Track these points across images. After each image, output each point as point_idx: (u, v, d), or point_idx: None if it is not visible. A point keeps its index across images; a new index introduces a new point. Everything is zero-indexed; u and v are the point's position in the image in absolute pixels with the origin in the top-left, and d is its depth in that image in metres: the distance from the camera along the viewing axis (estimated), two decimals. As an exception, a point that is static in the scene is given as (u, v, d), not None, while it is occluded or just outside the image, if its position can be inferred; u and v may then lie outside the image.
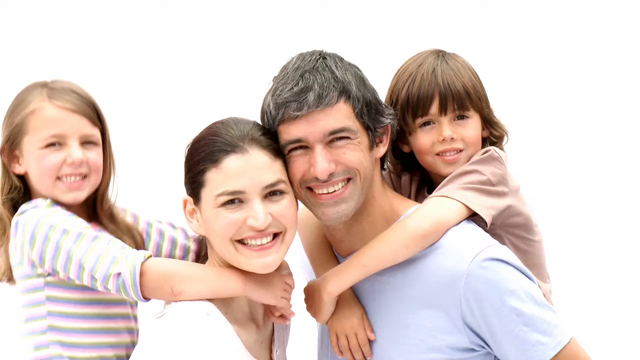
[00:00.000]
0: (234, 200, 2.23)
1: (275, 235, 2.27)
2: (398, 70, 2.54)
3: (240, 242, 2.25)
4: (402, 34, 4.50)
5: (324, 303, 2.38)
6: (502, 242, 2.41)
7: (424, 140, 2.47)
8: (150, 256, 2.30)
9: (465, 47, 4.52)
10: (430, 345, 2.30)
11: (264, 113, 2.34)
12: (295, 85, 2.27)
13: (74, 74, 4.45)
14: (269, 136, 2.28)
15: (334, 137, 2.29)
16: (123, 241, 2.46)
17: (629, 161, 4.57)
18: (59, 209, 2.45)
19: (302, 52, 2.38)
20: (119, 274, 2.26)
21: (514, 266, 2.29)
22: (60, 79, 2.59)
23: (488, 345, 2.29)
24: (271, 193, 2.26)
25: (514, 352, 2.27)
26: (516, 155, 4.36)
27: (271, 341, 2.42)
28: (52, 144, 2.46)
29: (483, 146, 2.50)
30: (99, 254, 2.30)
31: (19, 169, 2.50)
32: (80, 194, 2.49)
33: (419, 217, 2.33)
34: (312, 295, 2.42)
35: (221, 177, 2.22)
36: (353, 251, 2.39)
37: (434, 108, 2.45)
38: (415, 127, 2.48)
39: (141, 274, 2.26)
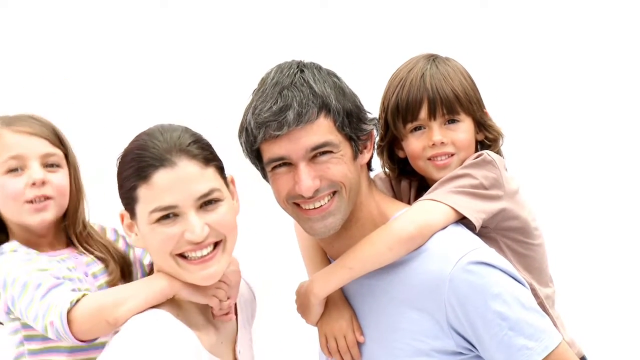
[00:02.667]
0: (169, 215, 2.18)
1: (216, 245, 2.23)
2: (391, 76, 2.54)
3: (181, 255, 2.21)
4: (402, 34, 4.50)
5: (312, 305, 2.40)
6: (497, 245, 2.41)
7: (415, 145, 2.48)
8: (81, 297, 2.27)
9: (465, 47, 4.54)
10: (416, 348, 2.30)
11: (244, 130, 2.32)
12: (274, 104, 2.25)
13: (74, 74, 4.47)
14: (199, 144, 2.23)
15: (317, 152, 2.28)
16: (107, 263, 2.49)
17: (630, 163, 4.57)
18: (19, 252, 2.43)
19: (280, 64, 2.36)
20: (52, 322, 2.25)
21: (500, 269, 2.27)
22: (20, 113, 2.56)
23: (476, 349, 2.29)
24: (206, 203, 2.20)
25: (500, 356, 2.25)
26: (518, 156, 4.39)
27: (235, 341, 2.40)
28: (13, 170, 2.45)
29: (478, 149, 2.50)
30: (37, 305, 2.29)
31: None
32: (46, 215, 2.47)
33: (405, 220, 2.33)
34: (300, 298, 2.42)
35: (152, 193, 2.17)
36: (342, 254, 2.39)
37: (423, 113, 2.45)
38: (407, 132, 2.48)
39: (69, 321, 2.23)
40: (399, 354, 2.32)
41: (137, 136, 2.26)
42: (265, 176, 2.39)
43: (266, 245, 4.32)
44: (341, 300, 2.41)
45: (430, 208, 2.34)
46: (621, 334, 4.47)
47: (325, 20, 4.53)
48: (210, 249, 2.22)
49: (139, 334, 2.16)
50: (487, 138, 2.52)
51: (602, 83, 4.55)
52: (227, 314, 2.33)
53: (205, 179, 2.20)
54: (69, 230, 2.53)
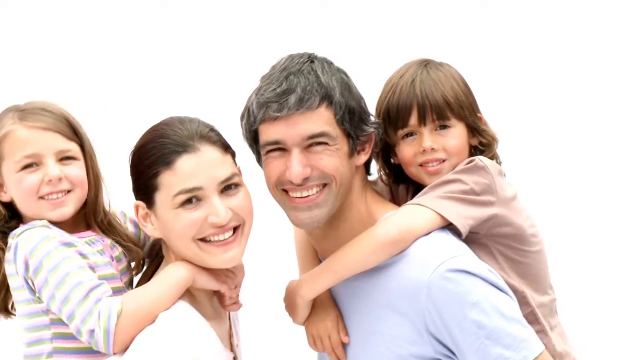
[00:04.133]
0: (192, 199, 2.23)
1: (235, 229, 2.28)
2: (385, 82, 2.53)
3: (203, 240, 2.26)
4: (402, 34, 4.50)
5: (298, 306, 2.40)
6: (489, 252, 2.39)
7: (406, 151, 2.47)
8: (122, 309, 2.27)
9: (465, 47, 4.54)
10: (396, 353, 2.29)
11: (246, 110, 2.35)
12: (278, 86, 2.27)
13: (73, 74, 4.47)
14: (216, 132, 2.30)
15: (312, 142, 2.29)
16: (129, 248, 2.48)
17: (630, 168, 4.57)
18: (53, 232, 2.41)
19: (292, 54, 2.38)
20: (92, 330, 2.25)
21: (480, 277, 2.24)
22: (33, 101, 2.52)
23: (455, 355, 2.27)
24: (227, 187, 2.27)
25: None
26: (520, 158, 4.39)
27: (230, 335, 2.45)
28: (28, 166, 2.43)
29: (472, 154, 2.49)
30: (75, 304, 2.28)
31: (4, 197, 2.47)
32: (66, 210, 2.45)
33: (388, 224, 2.32)
34: (288, 298, 2.43)
35: (176, 178, 2.23)
36: (330, 254, 2.39)
37: (413, 119, 2.44)
38: (398, 139, 2.47)
39: (115, 333, 2.24)
40: (379, 357, 2.32)
41: (152, 128, 2.31)
42: (259, 160, 2.40)
43: (265, 242, 4.32)
44: (328, 301, 2.42)
45: (415, 213, 2.33)
46: (620, 341, 4.47)
47: (325, 20, 4.53)
48: (231, 232, 2.27)
49: (168, 331, 2.20)
50: (481, 143, 2.50)
51: (602, 82, 4.55)
52: (235, 302, 2.38)
53: (226, 164, 2.27)
54: (89, 218, 2.52)
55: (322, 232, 2.38)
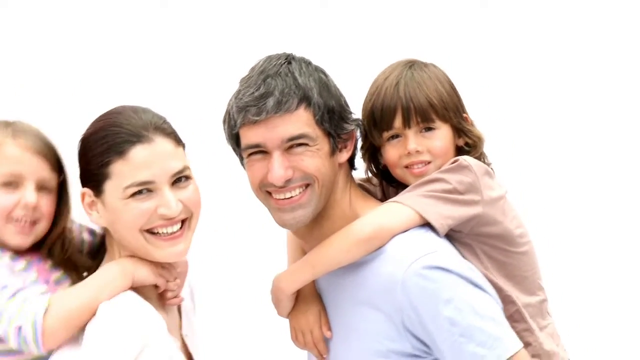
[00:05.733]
0: (143, 190, 2.23)
1: (182, 223, 2.28)
2: (371, 83, 2.54)
3: (150, 232, 2.26)
4: (402, 34, 4.50)
5: (281, 300, 2.42)
6: (472, 251, 2.39)
7: (391, 153, 2.47)
8: (50, 303, 2.24)
9: (465, 47, 4.54)
10: (375, 349, 2.30)
11: (227, 114, 2.37)
12: (256, 90, 2.29)
13: (73, 74, 4.47)
14: (169, 124, 2.31)
15: (293, 144, 2.30)
16: (72, 279, 2.43)
17: (629, 166, 4.57)
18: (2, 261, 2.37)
19: (270, 55, 2.39)
20: (20, 327, 2.21)
21: (456, 274, 2.25)
22: (22, 122, 2.49)
23: (432, 351, 2.28)
24: (178, 179, 2.27)
25: None
26: (519, 157, 4.39)
27: (180, 327, 2.45)
28: (7, 184, 2.39)
29: (459, 154, 2.48)
30: (1, 305, 2.25)
31: None
32: (27, 239, 2.41)
33: (364, 221, 2.34)
34: (272, 291, 2.46)
35: (128, 169, 2.21)
36: None
37: (398, 122, 2.44)
38: (383, 141, 2.48)
39: (43, 329, 2.21)
40: (359, 354, 2.33)
41: (103, 115, 2.31)
42: (242, 163, 2.42)
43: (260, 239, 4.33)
44: (311, 295, 2.44)
45: (391, 211, 2.34)
46: (612, 341, 4.47)
47: (325, 20, 4.53)
48: (179, 225, 2.27)
49: (110, 320, 2.18)
50: (467, 143, 2.50)
51: (602, 81, 4.54)
52: (176, 297, 2.38)
53: (178, 156, 2.27)
54: (44, 248, 2.46)
55: (307, 231, 2.40)
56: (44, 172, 2.43)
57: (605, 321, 4.48)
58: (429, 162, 2.45)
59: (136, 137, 2.22)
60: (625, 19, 4.53)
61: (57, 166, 2.46)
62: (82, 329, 2.24)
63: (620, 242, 4.53)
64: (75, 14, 4.46)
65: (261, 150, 2.33)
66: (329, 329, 2.40)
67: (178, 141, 2.29)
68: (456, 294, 2.23)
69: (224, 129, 2.40)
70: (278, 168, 2.29)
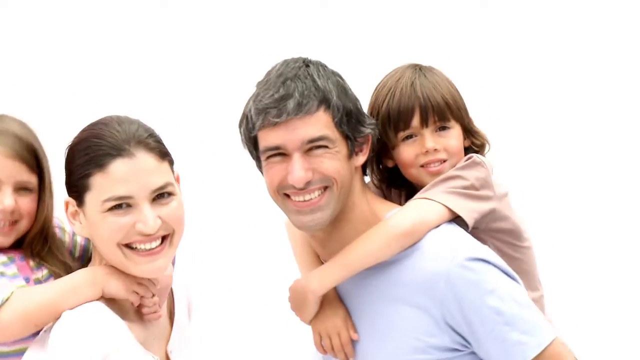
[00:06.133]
0: (122, 204, 2.19)
1: (164, 239, 2.24)
2: (376, 87, 2.55)
3: (128, 246, 2.22)
4: (402, 34, 4.50)
5: (309, 303, 2.39)
6: (487, 247, 2.41)
7: (407, 153, 2.49)
8: (10, 296, 2.22)
9: (465, 47, 4.54)
10: (413, 346, 2.31)
11: (244, 117, 2.35)
12: (276, 92, 2.28)
13: (73, 74, 4.47)
14: (154, 137, 2.24)
15: (312, 146, 2.30)
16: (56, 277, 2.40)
17: (629, 166, 4.57)
18: None
19: (286, 59, 2.39)
20: None
21: (495, 265, 2.29)
22: (5, 116, 2.46)
23: (471, 345, 2.30)
24: (159, 196, 2.21)
25: (495, 352, 2.27)
26: (520, 157, 4.40)
27: (168, 340, 2.40)
28: None
29: (465, 155, 2.53)
30: None
31: None
32: (8, 239, 2.41)
33: (400, 217, 2.35)
34: (296, 295, 2.43)
35: (107, 182, 2.17)
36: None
37: (416, 121, 2.47)
38: (398, 141, 2.49)
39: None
40: (395, 352, 2.33)
41: (90, 125, 2.26)
42: (260, 166, 2.40)
43: (261, 246, 4.33)
44: (335, 299, 2.42)
45: (424, 206, 2.36)
46: (611, 339, 4.47)
47: (325, 20, 4.54)
48: (158, 242, 2.23)
49: (72, 327, 2.15)
50: (474, 144, 2.55)
51: (603, 81, 4.55)
52: (155, 312, 2.32)
53: (161, 172, 2.22)
54: (26, 247, 2.45)
55: (325, 235, 2.39)
56: (21, 174, 2.41)
57: (605, 321, 4.49)
58: (445, 161, 2.48)
59: (117, 150, 2.18)
60: (625, 19, 4.53)
61: (37, 165, 2.43)
62: (47, 331, 2.22)
63: (620, 242, 4.54)
64: (75, 14, 4.46)
65: (280, 153, 2.31)
66: (355, 331, 2.40)
67: (163, 156, 2.24)
68: (498, 284, 2.26)
69: (241, 132, 2.37)
70: (299, 170, 2.28)
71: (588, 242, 4.53)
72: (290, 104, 2.27)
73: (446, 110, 2.47)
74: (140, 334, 2.30)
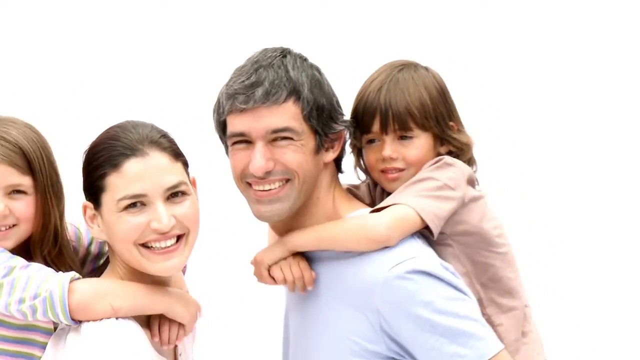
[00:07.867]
0: (136, 203, 2.23)
1: (179, 238, 2.27)
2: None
3: (144, 245, 2.25)
4: (402, 34, 4.50)
5: (274, 250, 2.37)
6: (453, 253, 2.39)
7: (369, 156, 2.48)
8: (79, 277, 2.26)
9: (465, 47, 4.54)
10: (349, 348, 2.29)
11: (217, 102, 2.37)
12: (247, 79, 2.29)
13: (73, 74, 4.47)
14: (168, 138, 2.29)
15: (277, 136, 2.30)
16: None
17: (629, 166, 4.57)
18: None
19: (267, 47, 2.39)
20: (48, 293, 2.21)
21: (436, 277, 2.25)
22: None
23: (409, 354, 2.27)
24: (173, 195, 2.25)
25: None
26: (519, 156, 4.40)
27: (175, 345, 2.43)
28: None
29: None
30: (27, 278, 2.25)
31: None
32: (6, 243, 2.39)
33: (380, 221, 2.31)
34: (268, 251, 2.40)
35: (122, 181, 2.22)
36: None
37: (376, 127, 2.44)
38: (363, 143, 2.48)
39: (70, 292, 2.21)
40: (331, 349, 2.32)
41: (107, 129, 2.31)
42: (227, 151, 2.40)
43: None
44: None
45: (401, 214, 2.32)
46: (611, 339, 4.47)
47: (325, 20, 4.54)
48: (173, 240, 2.25)
49: (111, 333, 2.19)
50: (453, 150, 2.49)
51: (602, 80, 4.55)
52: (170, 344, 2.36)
53: (174, 171, 2.26)
54: (35, 250, 2.44)
55: (284, 226, 2.38)
56: (12, 178, 2.38)
57: (605, 322, 4.49)
58: (403, 169, 2.45)
59: (131, 150, 2.23)
60: (625, 19, 4.53)
61: (28, 167, 2.40)
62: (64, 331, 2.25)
63: (620, 242, 4.53)
64: (76, 14, 4.47)
65: (245, 140, 2.32)
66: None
67: (177, 156, 2.29)
68: (436, 295, 2.23)
69: (213, 117, 2.39)
70: (259, 159, 2.29)
71: (588, 242, 4.53)
72: (259, 91, 2.27)
73: (408, 120, 2.41)
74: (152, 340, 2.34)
